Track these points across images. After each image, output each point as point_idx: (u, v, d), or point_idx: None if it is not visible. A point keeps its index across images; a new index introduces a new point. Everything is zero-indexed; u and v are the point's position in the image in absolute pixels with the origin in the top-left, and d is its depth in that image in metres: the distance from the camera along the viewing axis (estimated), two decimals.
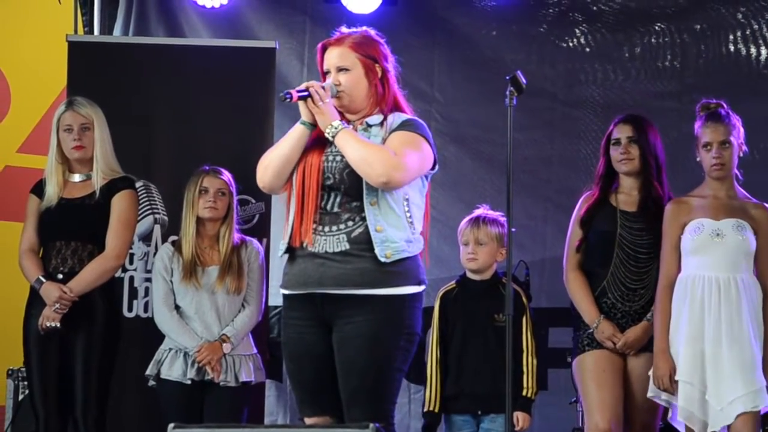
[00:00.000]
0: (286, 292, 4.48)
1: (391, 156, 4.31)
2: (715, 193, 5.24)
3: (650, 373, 5.18)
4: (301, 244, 4.38)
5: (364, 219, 4.36)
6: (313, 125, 4.40)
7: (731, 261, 5.12)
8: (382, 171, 4.27)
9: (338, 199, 4.38)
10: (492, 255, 5.61)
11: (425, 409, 5.57)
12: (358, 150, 4.30)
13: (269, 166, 4.43)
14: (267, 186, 4.47)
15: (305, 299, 4.41)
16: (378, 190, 4.35)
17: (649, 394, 5.18)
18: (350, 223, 4.37)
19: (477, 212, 5.68)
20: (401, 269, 4.37)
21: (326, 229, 4.37)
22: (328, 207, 4.38)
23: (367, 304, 4.34)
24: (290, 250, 4.43)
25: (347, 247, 4.35)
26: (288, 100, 4.36)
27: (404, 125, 4.44)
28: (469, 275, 5.67)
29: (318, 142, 4.42)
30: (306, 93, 4.37)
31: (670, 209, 5.26)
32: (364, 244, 4.34)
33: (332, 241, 4.36)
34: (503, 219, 5.56)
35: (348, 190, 4.37)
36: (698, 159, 5.28)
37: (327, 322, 4.40)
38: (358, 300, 4.34)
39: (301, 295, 4.41)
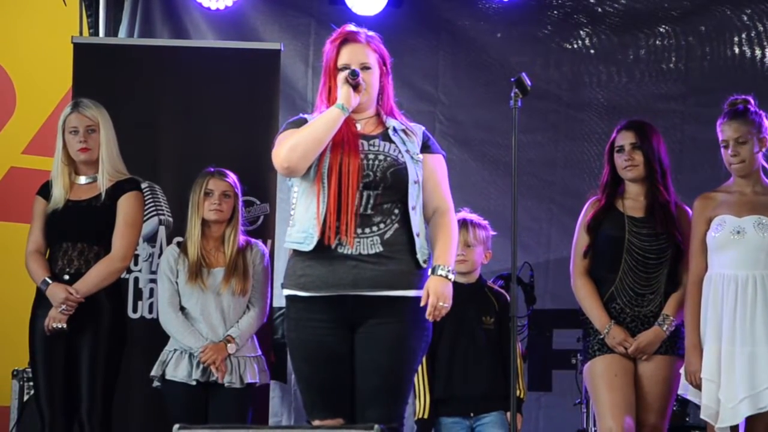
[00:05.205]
0: (305, 294, 4.42)
1: (454, 218, 4.52)
2: (741, 189, 5.22)
3: (682, 370, 5.19)
4: (333, 244, 4.35)
5: (393, 221, 4.39)
6: (348, 111, 4.39)
7: (751, 258, 5.10)
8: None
9: (372, 201, 4.38)
10: (479, 257, 5.69)
11: (416, 418, 5.61)
12: (454, 247, 4.48)
13: (298, 147, 4.34)
14: (292, 166, 4.36)
15: (331, 301, 4.39)
16: (418, 197, 4.42)
17: (680, 392, 5.21)
18: (382, 225, 4.39)
19: (461, 215, 5.71)
20: (423, 271, 4.43)
21: (359, 230, 4.36)
22: (361, 209, 4.37)
23: (399, 305, 4.36)
24: (317, 248, 4.37)
25: (381, 249, 4.36)
26: (357, 76, 4.37)
27: (429, 146, 4.53)
28: (455, 278, 5.71)
29: (349, 139, 4.41)
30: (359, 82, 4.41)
31: (697, 205, 5.26)
32: (396, 246, 4.38)
33: (366, 243, 4.36)
34: (486, 222, 5.73)
35: (387, 190, 4.38)
36: (723, 157, 5.26)
37: (351, 324, 4.40)
38: (391, 301, 4.36)
39: (327, 297, 4.39)
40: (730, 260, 5.12)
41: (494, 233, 5.75)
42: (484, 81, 7.37)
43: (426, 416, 5.59)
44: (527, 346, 6.37)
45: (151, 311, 6.29)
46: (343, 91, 4.39)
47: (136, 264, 6.30)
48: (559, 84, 7.43)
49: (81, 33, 7.20)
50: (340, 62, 4.47)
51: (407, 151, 4.44)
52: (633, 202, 5.43)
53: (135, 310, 6.32)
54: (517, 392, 5.51)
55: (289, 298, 4.48)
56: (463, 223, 5.64)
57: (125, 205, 5.63)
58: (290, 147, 4.36)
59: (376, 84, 4.49)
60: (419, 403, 5.60)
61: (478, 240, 5.67)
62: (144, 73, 6.51)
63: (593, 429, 6.00)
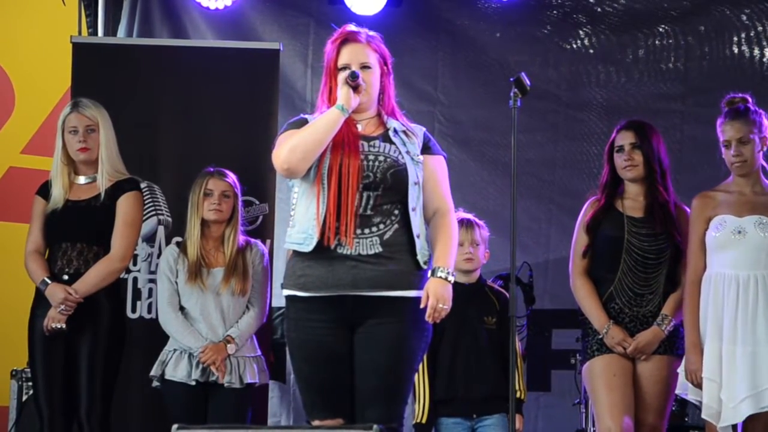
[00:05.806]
0: (305, 294, 4.42)
1: (455, 219, 4.52)
2: (741, 189, 5.22)
3: (680, 369, 5.19)
4: (333, 245, 4.35)
5: (393, 222, 4.39)
6: (348, 112, 4.38)
7: (752, 258, 5.11)
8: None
9: (371, 202, 4.38)
10: (482, 256, 5.73)
11: (414, 421, 5.60)
12: (455, 249, 4.48)
13: (298, 148, 4.34)
14: (292, 167, 4.36)
15: (331, 301, 4.39)
16: (418, 198, 4.42)
17: (679, 391, 5.21)
18: (381, 226, 4.39)
19: (460, 215, 5.71)
20: (423, 272, 4.43)
21: (358, 231, 4.37)
22: (361, 209, 4.37)
23: (398, 305, 4.37)
24: (316, 249, 4.37)
25: (380, 249, 4.37)
26: (357, 77, 4.37)
27: (430, 147, 4.53)
28: (457, 277, 5.71)
29: (349, 140, 4.41)
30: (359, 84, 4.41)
31: (696, 204, 5.26)
32: (396, 246, 4.38)
33: (365, 244, 4.36)
34: (482, 222, 5.76)
35: (387, 191, 4.38)
36: (723, 156, 5.26)
37: (351, 324, 4.41)
38: (391, 302, 4.37)
39: (326, 297, 4.39)
40: (730, 260, 5.12)
41: (489, 234, 5.77)
42: (483, 81, 7.37)
43: (424, 421, 5.59)
44: (526, 346, 6.37)
45: (150, 311, 6.29)
46: (343, 92, 4.39)
47: (135, 264, 6.31)
48: (558, 84, 7.43)
49: (80, 32, 7.19)
50: (341, 62, 4.46)
51: (407, 152, 4.44)
52: (632, 202, 5.43)
53: (134, 310, 6.32)
54: (518, 393, 5.53)
55: (288, 298, 4.48)
56: (468, 223, 5.66)
57: (124, 205, 5.63)
58: (290, 148, 4.36)
59: (376, 84, 4.49)
60: (418, 406, 5.59)
61: (482, 239, 5.70)
62: (143, 73, 6.51)
63: (592, 429, 6.01)
